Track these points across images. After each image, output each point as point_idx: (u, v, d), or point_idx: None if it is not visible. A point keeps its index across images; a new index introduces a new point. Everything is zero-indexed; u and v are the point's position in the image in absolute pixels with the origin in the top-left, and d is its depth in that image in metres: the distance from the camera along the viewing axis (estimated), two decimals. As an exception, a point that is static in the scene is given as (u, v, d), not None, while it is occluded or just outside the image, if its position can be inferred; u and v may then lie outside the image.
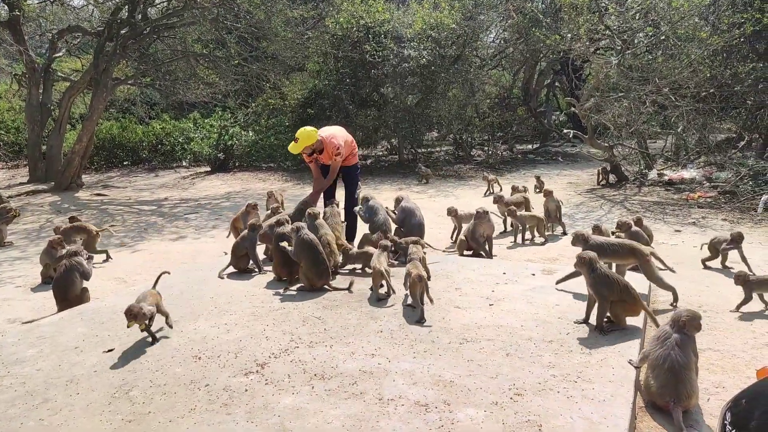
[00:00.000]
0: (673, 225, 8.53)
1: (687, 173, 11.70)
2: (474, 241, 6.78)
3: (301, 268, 5.17)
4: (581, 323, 4.20)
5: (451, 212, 7.72)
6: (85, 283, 5.50)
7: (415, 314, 4.39)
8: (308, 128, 6.74)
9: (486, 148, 17.91)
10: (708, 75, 10.72)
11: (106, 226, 8.87)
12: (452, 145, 18.90)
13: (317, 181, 7.01)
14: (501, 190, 11.73)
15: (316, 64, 16.69)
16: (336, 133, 6.89)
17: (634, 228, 6.23)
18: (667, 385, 3.23)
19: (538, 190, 11.50)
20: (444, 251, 6.97)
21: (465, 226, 7.18)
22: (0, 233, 8.57)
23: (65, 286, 5.32)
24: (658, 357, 3.31)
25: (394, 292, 4.92)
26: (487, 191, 12.05)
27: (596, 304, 4.13)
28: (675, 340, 3.32)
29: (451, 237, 7.84)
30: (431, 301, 4.52)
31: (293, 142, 6.69)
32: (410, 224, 6.53)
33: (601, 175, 12.41)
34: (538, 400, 3.15)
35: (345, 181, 7.27)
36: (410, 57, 14.80)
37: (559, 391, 3.23)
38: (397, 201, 6.88)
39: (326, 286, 5.14)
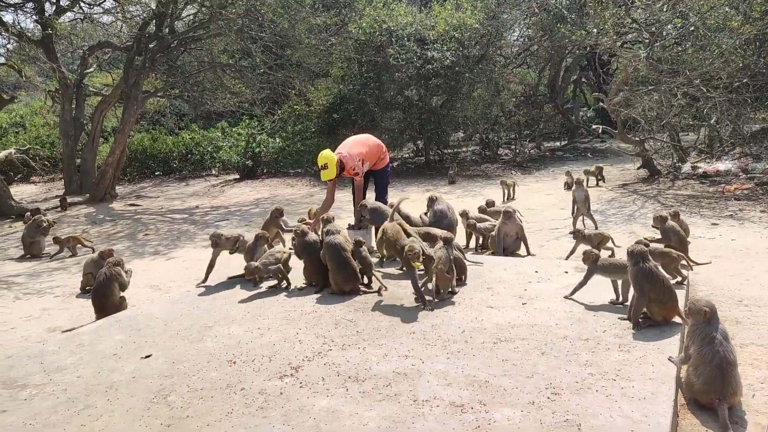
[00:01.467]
0: (709, 218, 8.32)
1: (722, 165, 11.41)
2: (497, 240, 6.70)
3: (330, 272, 5.19)
4: (625, 319, 4.13)
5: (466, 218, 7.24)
6: (132, 287, 5.65)
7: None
8: (326, 152, 6.60)
9: (513, 147, 17.75)
10: (740, 65, 10.43)
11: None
12: (479, 145, 18.79)
13: (326, 204, 6.91)
14: (513, 197, 11.30)
15: (341, 70, 16.78)
16: (354, 147, 6.75)
17: (670, 222, 6.08)
18: (713, 382, 3.14)
19: (567, 188, 11.32)
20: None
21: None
22: (38, 245, 8.80)
23: (104, 295, 5.44)
24: (704, 354, 3.22)
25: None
26: (506, 197, 11.29)
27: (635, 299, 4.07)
28: (721, 335, 3.23)
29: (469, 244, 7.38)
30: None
31: (322, 171, 6.52)
32: (442, 226, 6.50)
33: (591, 176, 11.80)
34: (576, 399, 3.09)
35: (376, 184, 7.21)
36: (434, 59, 14.76)
37: (598, 390, 3.17)
38: (431, 201, 6.85)
39: (361, 288, 5.16)
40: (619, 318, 4.18)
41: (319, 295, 5.16)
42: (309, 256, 5.39)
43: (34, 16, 15.07)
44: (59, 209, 13.08)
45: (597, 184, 11.82)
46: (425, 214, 6.95)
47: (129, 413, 3.28)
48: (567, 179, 11.59)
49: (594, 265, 4.61)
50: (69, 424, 3.21)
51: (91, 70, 16.82)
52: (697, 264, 5.96)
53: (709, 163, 11.82)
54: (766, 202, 8.96)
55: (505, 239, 6.72)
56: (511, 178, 12.40)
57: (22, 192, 16.46)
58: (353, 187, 6.97)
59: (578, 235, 6.26)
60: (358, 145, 6.80)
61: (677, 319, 4.05)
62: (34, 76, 19.07)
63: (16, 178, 19.44)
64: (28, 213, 10.00)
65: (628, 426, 2.83)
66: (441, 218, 6.60)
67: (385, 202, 6.96)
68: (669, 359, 3.48)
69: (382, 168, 7.12)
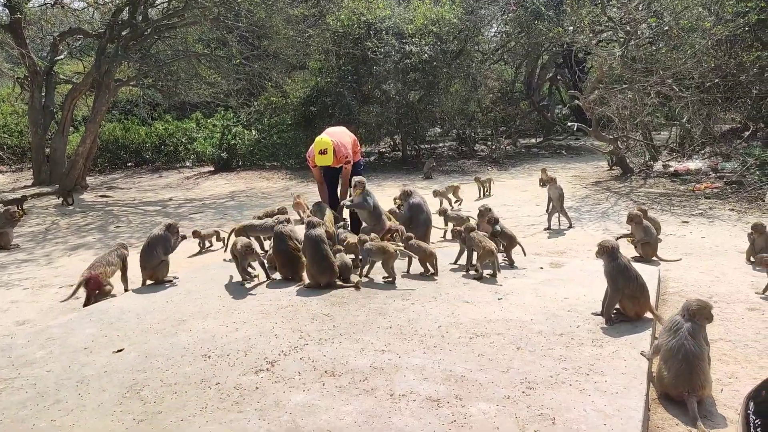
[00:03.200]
0: (680, 216, 8.48)
1: (693, 164, 11.63)
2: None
3: (306, 264, 5.18)
4: (598, 315, 4.21)
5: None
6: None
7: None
8: (323, 137, 6.60)
9: (489, 143, 17.86)
10: (712, 65, 10.65)
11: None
12: (455, 141, 18.86)
13: (322, 188, 7.05)
14: (489, 193, 11.21)
15: (318, 62, 16.67)
16: (342, 137, 6.84)
17: (645, 223, 6.20)
18: (682, 375, 3.20)
19: (542, 184, 11.41)
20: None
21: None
22: (6, 236, 8.58)
23: (146, 255, 5.63)
24: (671, 347, 3.28)
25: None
26: (483, 194, 11.16)
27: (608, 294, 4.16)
28: (687, 330, 3.29)
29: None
30: None
31: (320, 155, 6.49)
32: (417, 221, 6.50)
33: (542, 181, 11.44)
34: (551, 393, 3.13)
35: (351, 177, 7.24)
36: (412, 53, 14.76)
37: (572, 384, 3.21)
38: (405, 194, 6.78)
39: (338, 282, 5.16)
40: (592, 314, 4.25)
41: (295, 289, 5.13)
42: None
43: (2, 0, 14.65)
44: (64, 203, 12.47)
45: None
46: (398, 207, 6.94)
47: (100, 408, 3.22)
48: (542, 176, 11.69)
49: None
50: (38, 419, 3.14)
51: (62, 57, 16.42)
52: (668, 261, 6.08)
53: (680, 161, 12.04)
54: (735, 201, 9.17)
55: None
56: (486, 174, 12.37)
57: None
58: (321, 176, 7.01)
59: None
60: (344, 135, 6.90)
61: (649, 315, 4.14)
62: (1, 62, 18.53)
63: (-18, 167, 18.98)
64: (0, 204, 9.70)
65: (600, 420, 2.87)
66: (418, 213, 6.59)
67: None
68: (641, 354, 3.55)
69: (357, 161, 7.21)
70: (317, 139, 6.63)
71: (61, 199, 12.64)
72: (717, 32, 10.08)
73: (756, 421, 1.91)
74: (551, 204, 8.17)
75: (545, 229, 8.00)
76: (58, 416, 3.16)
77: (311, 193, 8.00)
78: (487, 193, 11.24)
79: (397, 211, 7.03)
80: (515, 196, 11.07)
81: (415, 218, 6.54)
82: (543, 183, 11.35)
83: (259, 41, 15.84)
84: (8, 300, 6.04)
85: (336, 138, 6.71)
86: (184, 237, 6.19)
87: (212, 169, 17.00)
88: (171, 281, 5.66)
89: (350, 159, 6.81)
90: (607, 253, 4.18)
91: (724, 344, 4.08)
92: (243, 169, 16.61)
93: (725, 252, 6.54)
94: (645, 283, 4.16)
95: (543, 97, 22.30)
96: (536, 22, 15.34)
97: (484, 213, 6.45)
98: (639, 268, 4.37)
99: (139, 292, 5.45)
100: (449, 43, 15.56)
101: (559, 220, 8.20)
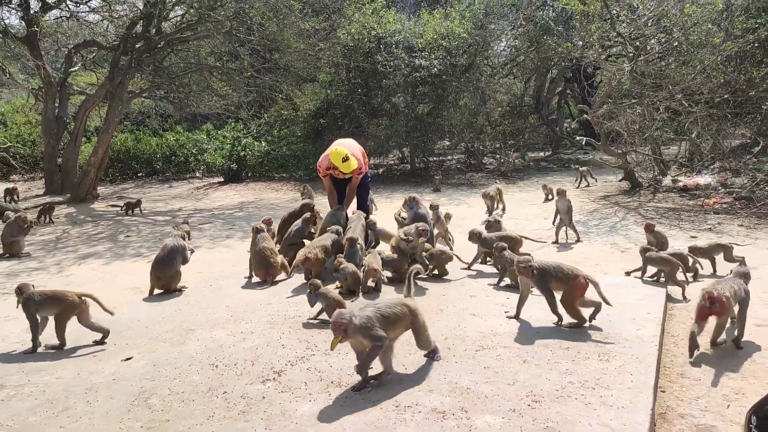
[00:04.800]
0: (688, 231, 8.45)
1: (702, 179, 11.59)
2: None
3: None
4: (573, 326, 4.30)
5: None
6: (103, 291, 5.59)
7: None
8: (339, 147, 6.64)
9: (498, 156, 17.88)
10: (722, 80, 10.64)
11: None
12: (464, 154, 18.89)
13: (332, 197, 7.05)
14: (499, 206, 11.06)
15: (328, 75, 16.79)
16: (353, 148, 6.89)
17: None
18: None
19: (547, 199, 11.39)
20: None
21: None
22: (18, 244, 8.67)
23: (165, 265, 5.67)
24: None
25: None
26: (493, 208, 10.74)
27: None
28: None
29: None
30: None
31: (343, 162, 6.54)
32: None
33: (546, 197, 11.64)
34: (557, 406, 3.13)
35: (357, 190, 7.25)
36: (421, 66, 14.86)
37: (577, 398, 3.21)
38: (411, 200, 6.68)
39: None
40: (565, 326, 4.30)
41: (303, 300, 5.15)
42: None
43: (19, 13, 14.90)
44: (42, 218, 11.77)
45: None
46: (399, 215, 6.91)
47: (109, 415, 3.26)
48: (544, 191, 11.65)
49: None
50: (48, 425, 3.18)
51: (76, 68, 16.65)
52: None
53: (689, 176, 12.01)
54: (744, 216, 9.12)
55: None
56: (494, 186, 12.23)
57: (0, 190, 16.20)
58: (332, 185, 7.06)
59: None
60: (355, 147, 6.96)
61: (656, 329, 4.13)
62: (17, 74, 18.80)
63: (-5, 176, 19.22)
64: (8, 212, 9.83)
65: (606, 434, 2.87)
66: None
67: (367, 205, 7.24)
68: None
69: (365, 173, 7.23)
70: (335, 149, 6.64)
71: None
72: (727, 48, 10.09)
73: (758, 435, 1.91)
74: (558, 217, 8.16)
75: (553, 243, 7.99)
76: (67, 423, 3.20)
77: (320, 205, 8.05)
78: (499, 206, 10.97)
79: (399, 218, 7.05)
80: (523, 209, 11.06)
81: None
82: (548, 198, 11.35)
83: (270, 54, 16.00)
84: (19, 308, 6.10)
85: (349, 149, 6.76)
86: (192, 251, 6.26)
87: (222, 179, 17.11)
88: (180, 290, 5.71)
89: (363, 169, 6.88)
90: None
91: (732, 360, 4.06)
92: (252, 180, 16.72)
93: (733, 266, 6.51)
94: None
95: (552, 111, 22.32)
96: (545, 37, 15.42)
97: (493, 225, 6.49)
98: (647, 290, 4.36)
99: (148, 301, 5.49)
100: (459, 57, 15.64)
101: (566, 234, 8.19)
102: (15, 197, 13.45)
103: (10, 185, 14.96)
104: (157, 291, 5.69)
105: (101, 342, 4.36)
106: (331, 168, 6.80)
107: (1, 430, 3.14)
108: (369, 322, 3.38)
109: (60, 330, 4.33)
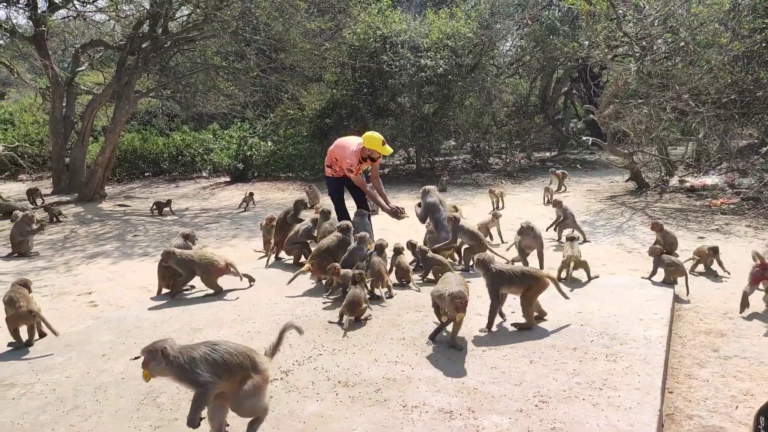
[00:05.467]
0: (696, 232, 8.43)
1: (709, 180, 11.55)
2: (520, 253, 6.37)
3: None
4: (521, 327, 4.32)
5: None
6: (111, 291, 5.62)
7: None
8: (368, 134, 6.76)
9: (504, 156, 17.86)
10: (729, 81, 10.59)
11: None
12: (470, 154, 18.89)
13: (365, 188, 7.02)
14: (503, 206, 11.11)
15: (334, 75, 16.83)
16: (343, 149, 6.94)
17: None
18: None
19: (547, 201, 11.35)
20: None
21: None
22: (27, 243, 8.73)
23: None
24: None
25: None
26: (495, 207, 10.90)
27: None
28: None
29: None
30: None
31: (384, 145, 6.68)
32: (438, 220, 6.44)
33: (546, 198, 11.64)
34: (564, 407, 3.13)
35: (352, 188, 7.32)
36: (427, 66, 14.86)
37: (585, 399, 3.21)
38: (424, 192, 6.68)
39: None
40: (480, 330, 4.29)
41: (309, 300, 5.17)
42: None
43: (26, 13, 14.98)
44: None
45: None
46: (418, 205, 6.94)
47: (118, 414, 3.28)
48: (547, 194, 11.60)
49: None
50: (58, 424, 3.21)
51: (83, 68, 16.71)
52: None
53: (696, 177, 11.97)
54: (752, 217, 9.09)
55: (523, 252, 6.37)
56: (499, 187, 12.30)
57: (9, 190, 16.30)
58: (348, 183, 7.14)
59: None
60: (349, 148, 6.94)
61: (664, 330, 4.13)
62: (24, 73, 18.91)
63: (3, 176, 19.29)
64: (17, 211, 9.89)
65: (614, 435, 2.87)
66: (434, 212, 6.48)
67: (366, 203, 7.28)
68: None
69: (364, 170, 7.29)
70: (368, 135, 6.72)
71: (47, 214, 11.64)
72: (734, 48, 10.04)
73: (767, 437, 1.92)
74: (559, 218, 8.11)
75: (557, 241, 7.96)
76: (76, 421, 3.22)
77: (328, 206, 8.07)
78: (500, 206, 11.10)
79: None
80: (529, 209, 11.04)
81: (432, 218, 6.50)
82: (548, 201, 11.33)
83: (276, 54, 16.02)
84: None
85: (354, 147, 6.82)
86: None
87: (228, 179, 17.17)
88: (188, 290, 5.74)
89: (353, 168, 6.81)
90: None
91: (740, 361, 4.05)
92: (258, 180, 16.76)
93: (741, 269, 6.48)
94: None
95: (558, 111, 22.29)
96: (551, 36, 15.39)
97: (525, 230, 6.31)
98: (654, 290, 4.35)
99: (156, 300, 5.52)
100: (464, 57, 15.64)
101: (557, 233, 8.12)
102: (38, 197, 13.42)
103: (33, 186, 15.01)
104: (164, 290, 5.71)
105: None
106: (366, 159, 6.84)
107: (12, 429, 3.17)
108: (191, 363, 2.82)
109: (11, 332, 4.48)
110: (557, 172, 13.11)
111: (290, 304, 5.10)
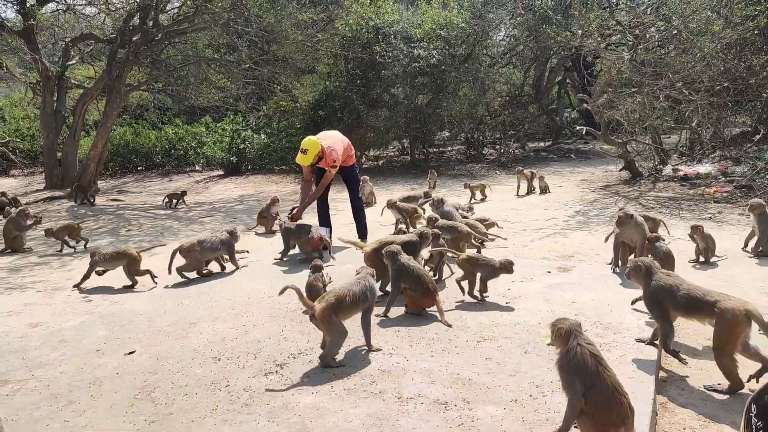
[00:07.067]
0: (689, 220, 8.44)
1: (702, 168, 11.58)
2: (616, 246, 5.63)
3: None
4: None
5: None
6: (114, 282, 5.61)
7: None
8: (311, 138, 6.91)
9: (498, 147, 17.86)
10: (722, 68, 10.60)
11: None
12: (464, 144, 18.87)
13: (306, 193, 7.21)
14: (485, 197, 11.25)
15: (327, 66, 16.74)
16: (334, 142, 7.02)
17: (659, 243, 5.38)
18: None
19: (542, 192, 11.36)
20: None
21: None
22: (21, 239, 8.68)
23: None
24: None
25: None
26: (471, 199, 11.05)
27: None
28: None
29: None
30: None
31: (301, 153, 6.82)
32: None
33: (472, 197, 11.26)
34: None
35: (346, 181, 7.55)
36: (420, 57, 14.81)
37: (579, 388, 3.22)
38: (440, 202, 6.66)
39: None
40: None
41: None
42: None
43: (15, 6, 14.82)
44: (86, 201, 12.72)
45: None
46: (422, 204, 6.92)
47: (113, 409, 3.28)
48: (541, 184, 11.59)
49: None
50: (52, 419, 3.20)
51: (74, 62, 16.58)
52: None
53: (689, 165, 12.00)
54: (745, 205, 9.12)
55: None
56: (479, 180, 12.28)
57: (1, 185, 16.20)
58: (310, 178, 7.24)
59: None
60: (337, 140, 7.12)
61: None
62: (14, 68, 18.73)
63: (-6, 171, 19.19)
64: (9, 206, 9.83)
65: (608, 423, 2.88)
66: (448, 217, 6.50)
67: (359, 197, 7.58)
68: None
69: (350, 165, 7.43)
70: (305, 138, 6.91)
71: (79, 200, 12.84)
72: (726, 36, 10.04)
73: (758, 423, 1.92)
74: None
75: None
76: (71, 417, 3.22)
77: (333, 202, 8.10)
78: (477, 199, 11.15)
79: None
80: (523, 199, 11.07)
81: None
82: (542, 190, 11.34)
83: (268, 46, 15.93)
84: (22, 302, 6.12)
85: (328, 142, 6.95)
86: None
87: (222, 173, 17.11)
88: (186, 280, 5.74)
89: (337, 164, 6.95)
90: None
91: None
92: (252, 173, 16.71)
93: (734, 256, 6.53)
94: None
95: (551, 101, 22.27)
96: (544, 26, 15.35)
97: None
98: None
99: (150, 294, 5.51)
100: (457, 47, 15.58)
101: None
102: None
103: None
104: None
105: None
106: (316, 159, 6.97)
107: (6, 425, 3.16)
108: None
109: None
110: (524, 171, 11.74)
111: (285, 297, 5.08)
